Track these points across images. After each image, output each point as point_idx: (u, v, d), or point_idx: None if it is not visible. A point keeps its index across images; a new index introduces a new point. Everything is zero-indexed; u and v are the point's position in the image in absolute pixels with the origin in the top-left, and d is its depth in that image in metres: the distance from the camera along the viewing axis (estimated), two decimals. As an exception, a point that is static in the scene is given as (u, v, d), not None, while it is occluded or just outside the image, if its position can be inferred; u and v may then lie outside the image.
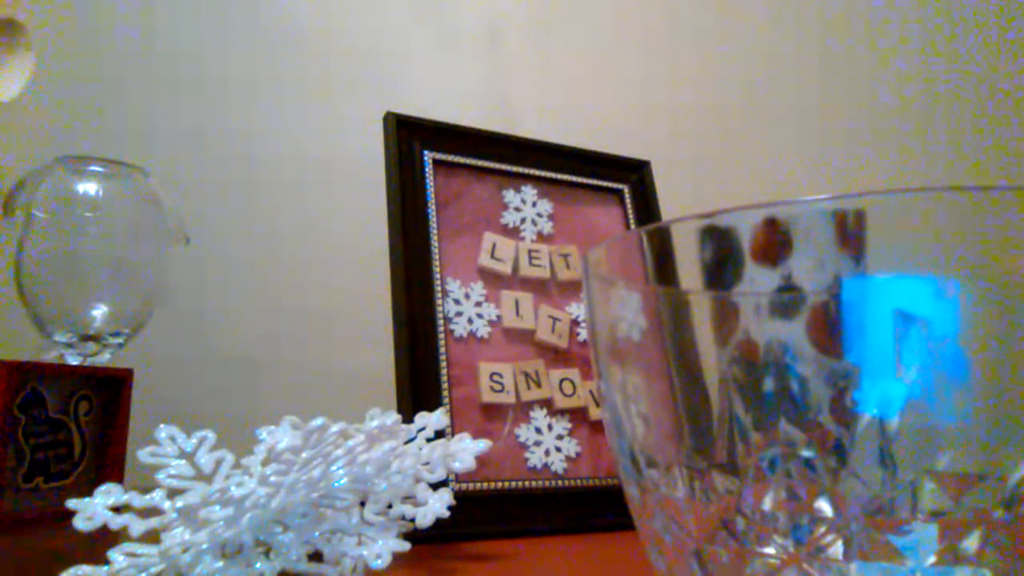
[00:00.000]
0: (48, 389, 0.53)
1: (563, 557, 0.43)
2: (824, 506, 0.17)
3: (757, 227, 0.18)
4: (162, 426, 0.36)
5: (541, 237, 0.60)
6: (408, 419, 0.42)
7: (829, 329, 0.17)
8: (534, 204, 0.61)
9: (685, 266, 0.20)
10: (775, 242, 0.18)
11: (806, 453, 0.17)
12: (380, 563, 0.33)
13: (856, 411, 0.17)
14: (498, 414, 0.52)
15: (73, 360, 0.59)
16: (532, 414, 0.53)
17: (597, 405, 0.56)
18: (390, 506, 0.37)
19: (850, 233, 0.17)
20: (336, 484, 0.35)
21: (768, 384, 0.18)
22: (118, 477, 0.55)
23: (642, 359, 0.21)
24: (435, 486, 0.38)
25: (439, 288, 0.53)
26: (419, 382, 0.50)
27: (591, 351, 0.23)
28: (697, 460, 0.19)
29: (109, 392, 0.57)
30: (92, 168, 0.61)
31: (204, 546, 0.31)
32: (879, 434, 0.17)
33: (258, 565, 0.31)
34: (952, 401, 0.17)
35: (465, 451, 0.39)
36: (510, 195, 0.60)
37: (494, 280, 0.57)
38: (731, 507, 0.18)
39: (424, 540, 0.39)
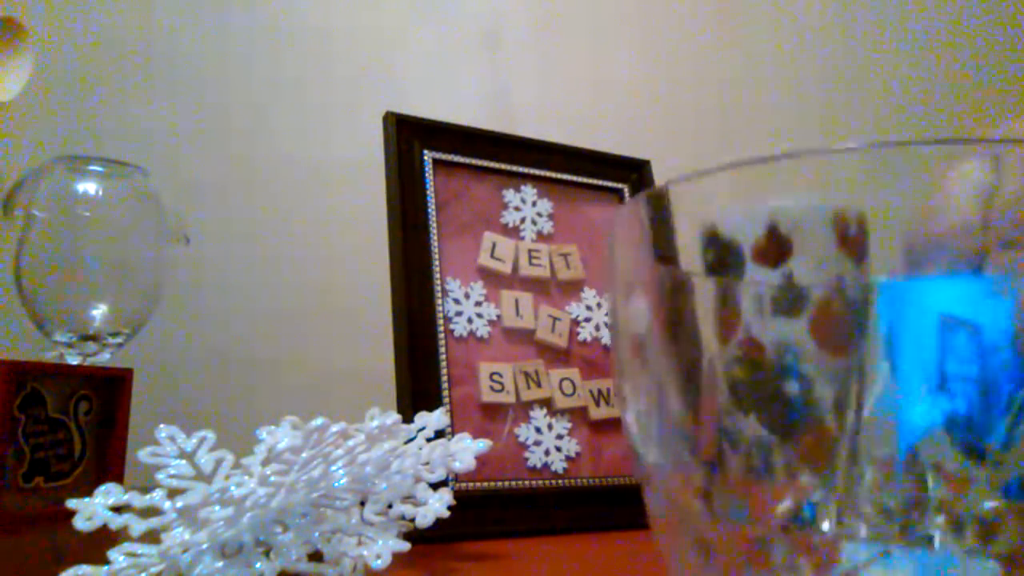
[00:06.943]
0: (48, 389, 0.53)
1: (563, 557, 0.43)
2: (825, 506, 0.17)
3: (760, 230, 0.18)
4: (162, 426, 0.36)
5: (541, 236, 0.60)
6: (408, 419, 0.42)
7: (833, 327, 0.17)
8: (534, 203, 0.61)
9: (686, 247, 0.20)
10: (776, 242, 0.18)
11: (807, 453, 0.17)
12: (380, 563, 0.33)
13: (858, 411, 0.17)
14: (498, 414, 0.52)
15: (73, 360, 0.59)
16: (532, 414, 0.53)
17: (597, 405, 0.56)
18: (390, 506, 0.37)
19: (850, 236, 0.17)
20: (336, 484, 0.35)
21: (773, 385, 0.18)
22: (118, 477, 0.55)
23: (651, 356, 0.21)
24: (435, 486, 0.38)
25: (439, 288, 0.53)
26: (419, 382, 0.50)
27: (612, 350, 0.23)
28: (702, 459, 0.19)
29: (109, 392, 0.57)
30: (92, 168, 0.61)
31: (204, 546, 0.31)
32: (880, 434, 0.17)
33: (258, 565, 0.31)
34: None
35: (465, 451, 0.39)
36: (510, 195, 0.60)
37: (494, 280, 0.57)
38: (740, 505, 0.18)
39: (424, 540, 0.39)
